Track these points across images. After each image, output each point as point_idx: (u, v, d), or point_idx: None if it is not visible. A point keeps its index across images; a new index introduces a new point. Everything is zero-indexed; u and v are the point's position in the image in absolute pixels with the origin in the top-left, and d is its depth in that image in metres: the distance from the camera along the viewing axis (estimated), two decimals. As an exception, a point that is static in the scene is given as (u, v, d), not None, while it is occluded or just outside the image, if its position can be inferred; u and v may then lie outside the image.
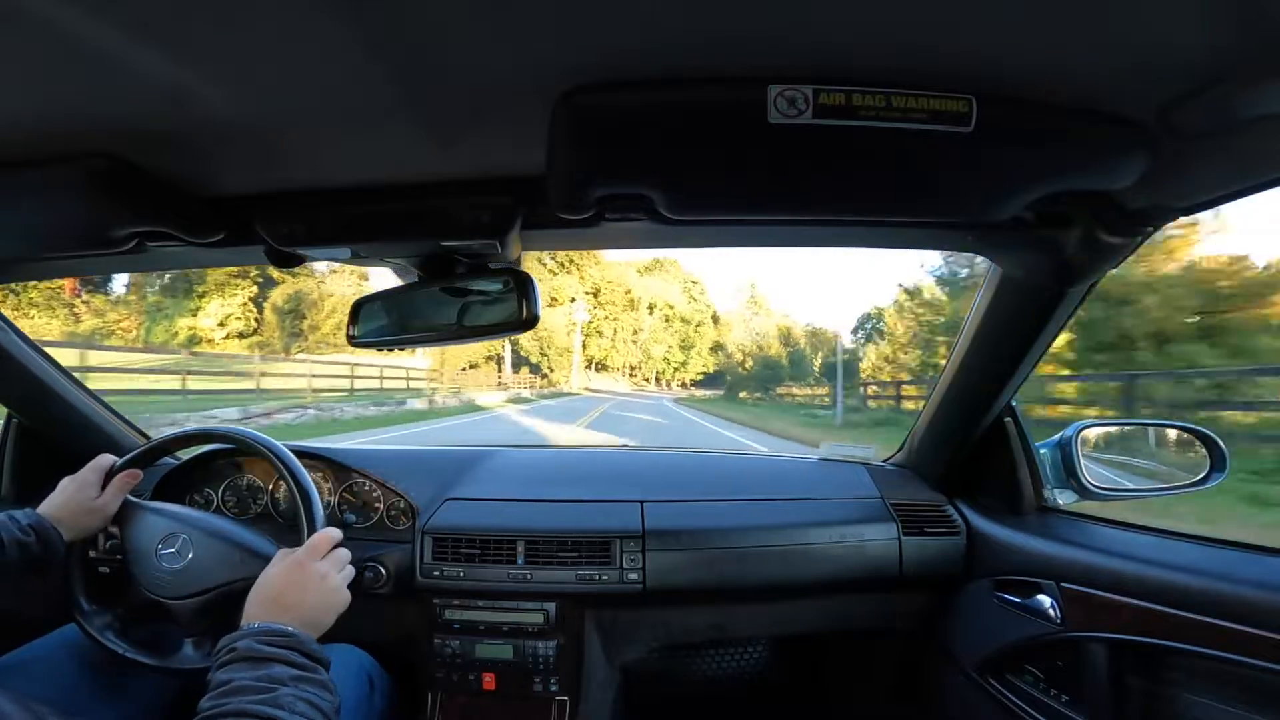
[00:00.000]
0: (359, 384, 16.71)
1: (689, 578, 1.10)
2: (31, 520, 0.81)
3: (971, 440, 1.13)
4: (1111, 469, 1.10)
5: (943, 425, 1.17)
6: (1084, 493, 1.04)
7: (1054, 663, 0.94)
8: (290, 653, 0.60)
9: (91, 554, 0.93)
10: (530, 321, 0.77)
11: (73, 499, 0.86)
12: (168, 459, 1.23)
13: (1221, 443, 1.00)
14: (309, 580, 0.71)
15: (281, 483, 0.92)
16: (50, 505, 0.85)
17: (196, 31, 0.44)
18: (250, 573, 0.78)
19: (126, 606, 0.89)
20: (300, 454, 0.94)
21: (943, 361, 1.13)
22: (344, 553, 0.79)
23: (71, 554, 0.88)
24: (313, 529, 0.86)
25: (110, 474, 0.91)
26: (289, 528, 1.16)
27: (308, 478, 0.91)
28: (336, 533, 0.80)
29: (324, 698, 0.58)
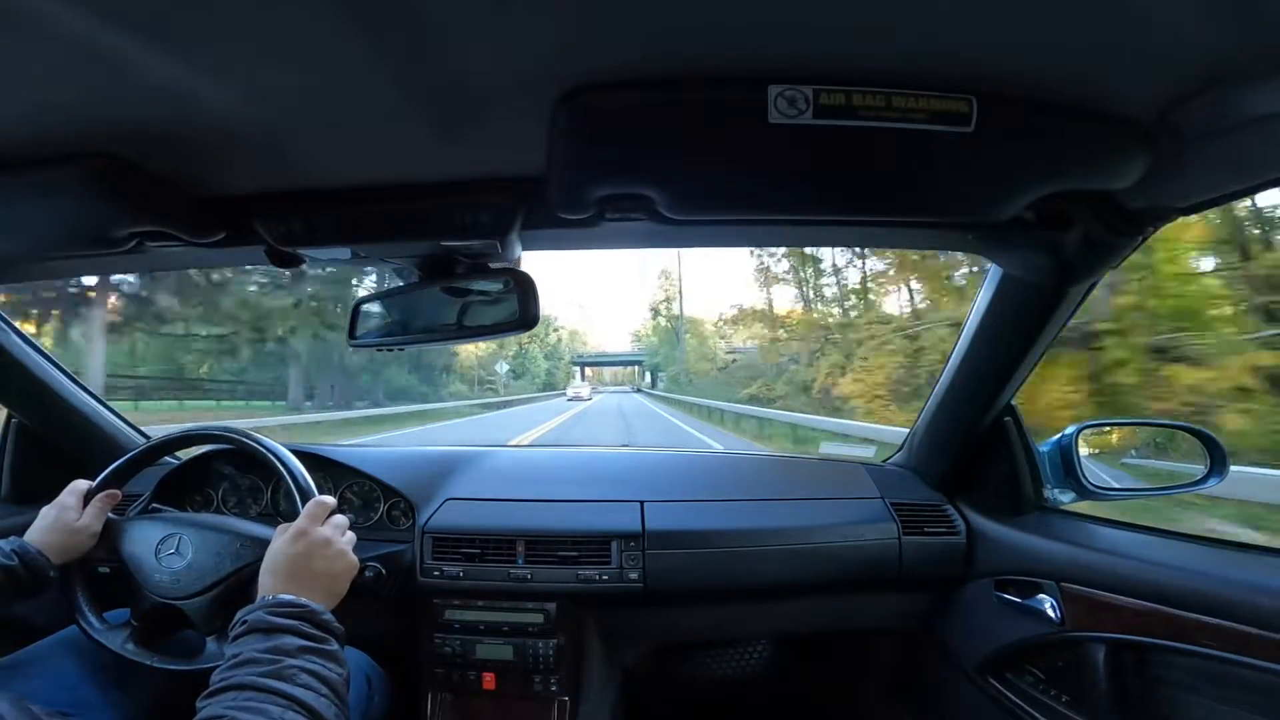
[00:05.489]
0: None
1: (689, 578, 1.10)
2: (15, 546, 0.80)
3: (971, 440, 1.12)
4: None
5: (943, 425, 1.17)
6: (1084, 492, 1.04)
7: (1054, 663, 0.94)
8: (301, 623, 0.60)
9: (93, 558, 0.92)
10: (531, 321, 0.77)
11: (54, 524, 0.85)
12: (169, 459, 1.23)
13: (1222, 443, 1.00)
14: (313, 547, 0.71)
15: (282, 483, 0.92)
16: (35, 532, 0.84)
17: (197, 31, 0.44)
18: (254, 557, 0.77)
19: (139, 616, 0.87)
20: (300, 454, 0.94)
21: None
22: (342, 518, 0.78)
23: (70, 574, 0.87)
24: (306, 499, 0.84)
25: (88, 496, 0.89)
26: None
27: (302, 469, 0.90)
28: (331, 500, 0.79)
29: (332, 669, 0.58)
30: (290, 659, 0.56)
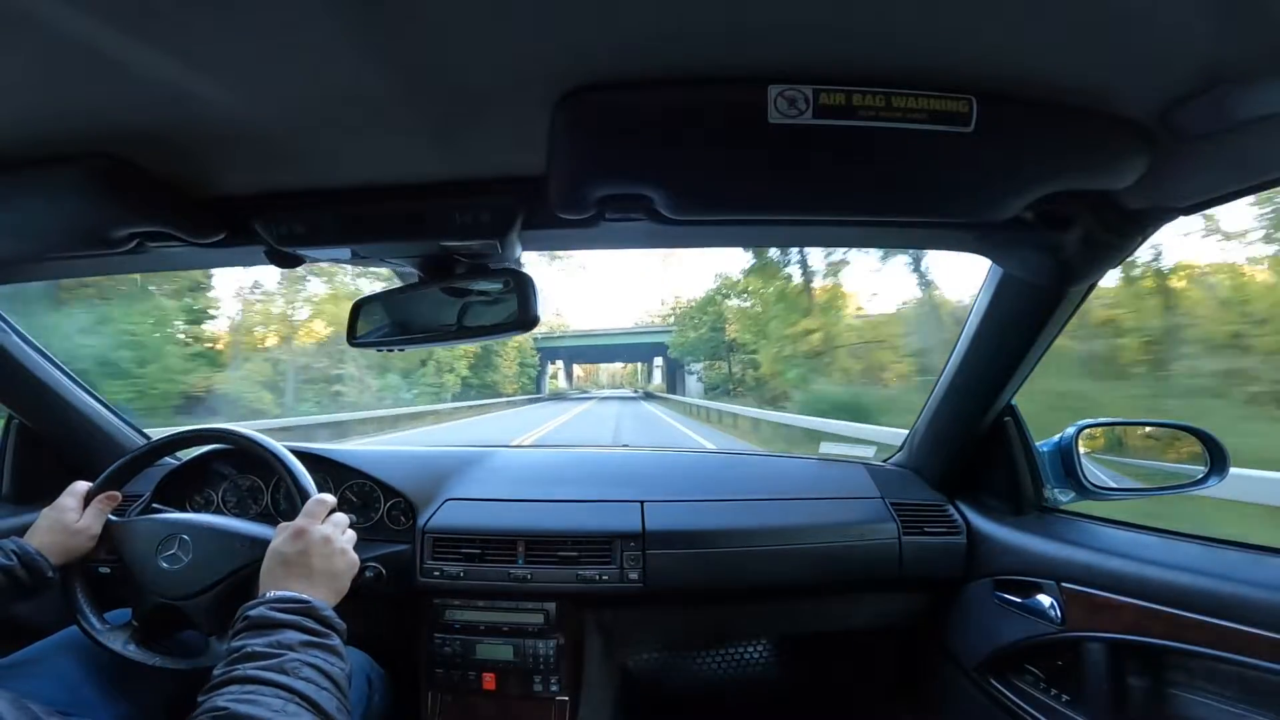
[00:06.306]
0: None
1: (689, 578, 1.10)
2: (15, 547, 0.80)
3: (972, 440, 1.13)
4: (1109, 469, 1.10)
5: (943, 425, 1.17)
6: (1084, 492, 1.04)
7: (1054, 663, 0.94)
8: (303, 618, 0.60)
9: (93, 559, 0.92)
10: (530, 322, 0.77)
11: (54, 525, 0.85)
12: (169, 459, 1.23)
13: (1222, 442, 1.00)
14: (313, 545, 0.71)
15: (281, 483, 0.92)
16: (34, 533, 0.84)
17: (197, 32, 0.44)
18: (254, 556, 0.77)
19: (140, 617, 0.87)
20: (300, 455, 0.94)
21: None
22: (342, 516, 0.79)
23: (70, 575, 0.87)
24: (305, 499, 0.85)
25: (88, 497, 0.90)
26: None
27: (301, 468, 0.90)
28: (330, 498, 0.80)
29: (334, 663, 0.58)
30: (292, 653, 0.56)
